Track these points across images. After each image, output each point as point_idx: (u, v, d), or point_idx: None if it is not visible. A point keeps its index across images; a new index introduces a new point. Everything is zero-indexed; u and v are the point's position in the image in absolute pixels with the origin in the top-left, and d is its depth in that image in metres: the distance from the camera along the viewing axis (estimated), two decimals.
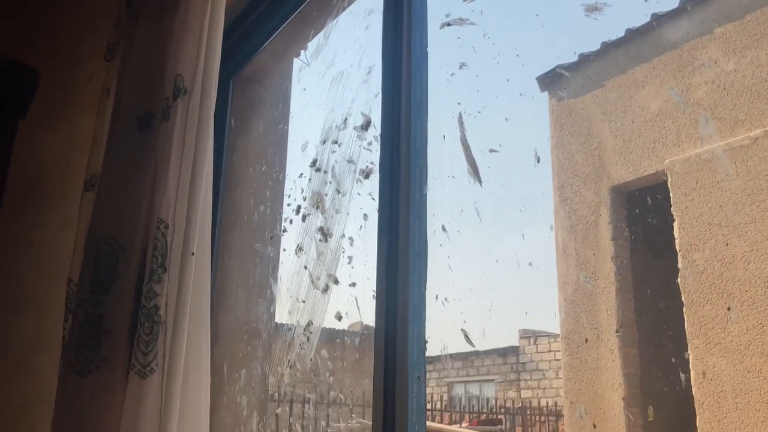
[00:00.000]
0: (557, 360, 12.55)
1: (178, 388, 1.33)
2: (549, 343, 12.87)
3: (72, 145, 2.22)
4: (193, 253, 1.44)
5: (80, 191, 1.84)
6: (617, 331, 4.59)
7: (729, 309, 3.79)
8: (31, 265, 2.10)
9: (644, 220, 4.93)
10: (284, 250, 2.34)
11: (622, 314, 4.62)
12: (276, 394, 7.30)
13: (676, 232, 4.21)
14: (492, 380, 13.80)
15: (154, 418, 1.30)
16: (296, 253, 2.26)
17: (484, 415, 10.90)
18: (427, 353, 1.47)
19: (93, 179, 1.82)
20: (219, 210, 2.31)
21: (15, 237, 2.10)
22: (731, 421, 3.81)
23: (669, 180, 4.34)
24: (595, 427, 4.40)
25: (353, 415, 8.66)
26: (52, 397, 1.61)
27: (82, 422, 1.36)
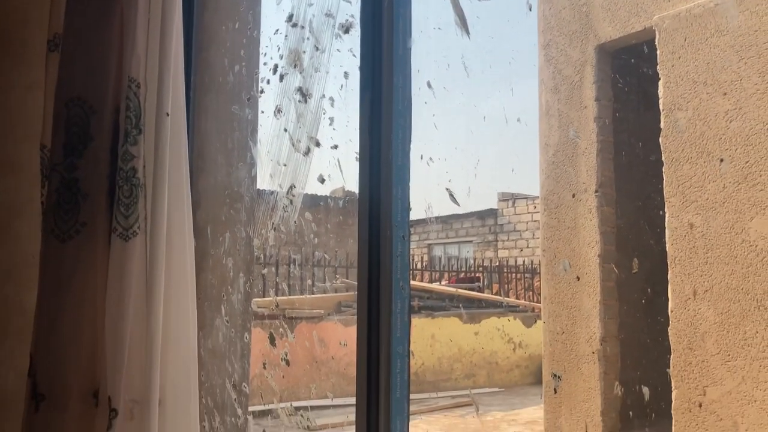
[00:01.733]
0: (534, 221, 12.90)
1: (162, 250, 1.33)
2: (527, 205, 13.16)
3: (30, 0, 2.08)
4: (167, 114, 1.38)
5: (44, 52, 1.74)
6: (596, 191, 4.66)
7: (722, 161, 3.81)
8: (1, 128, 2.02)
9: (639, 70, 4.83)
10: (262, 112, 2.27)
11: (601, 174, 4.66)
12: (262, 256, 7.47)
13: (660, 91, 4.16)
14: (471, 241, 14.22)
15: (141, 279, 1.31)
16: (275, 115, 2.19)
17: (463, 274, 11.33)
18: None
19: (57, 38, 1.71)
20: (192, 71, 2.21)
21: None
22: (700, 274, 3.98)
23: (657, 37, 4.22)
24: (578, 279, 4.56)
25: (337, 276, 8.94)
26: (37, 262, 1.61)
27: (67, 286, 1.36)
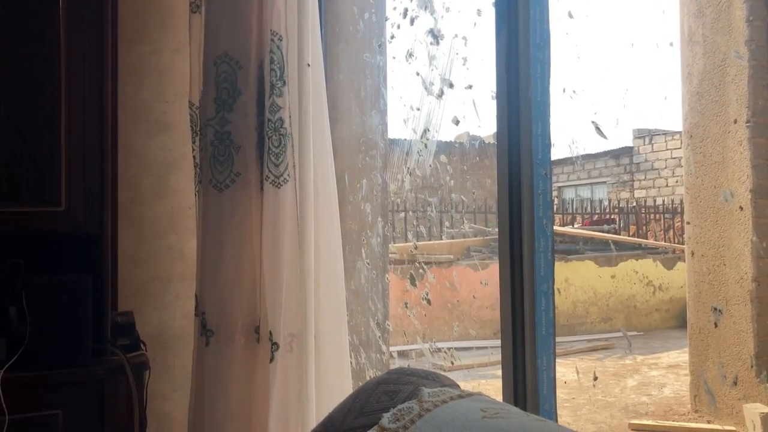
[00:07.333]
0: (674, 158, 12.12)
1: (310, 195, 1.39)
2: (665, 141, 12.38)
3: None
4: (308, 64, 1.43)
5: (187, 14, 1.84)
6: (747, 121, 4.30)
7: None
8: (153, 90, 2.18)
9: None
10: (393, 57, 2.29)
11: (754, 103, 4.28)
12: (398, 200, 7.60)
13: None
14: (604, 182, 13.64)
15: (293, 223, 1.38)
16: (406, 60, 2.20)
17: (597, 216, 10.94)
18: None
19: (198, 0, 1.80)
20: (323, 22, 2.25)
21: (134, 65, 2.16)
22: None
23: None
24: (741, 209, 4.26)
25: (465, 220, 8.94)
26: (192, 213, 1.74)
27: (227, 231, 1.47)
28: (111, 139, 1.88)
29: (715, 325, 4.42)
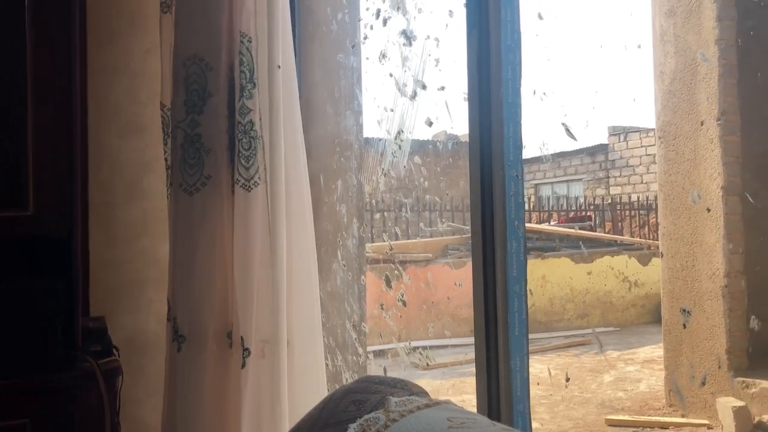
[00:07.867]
0: (648, 155, 12.27)
1: (282, 198, 1.38)
2: (640, 138, 12.52)
3: None
4: (279, 66, 1.42)
5: (158, 14, 1.82)
6: (718, 119, 4.36)
7: None
8: (125, 91, 2.15)
9: None
10: (367, 58, 2.28)
11: (724, 101, 4.34)
12: (373, 201, 7.61)
13: None
14: (580, 179, 13.77)
15: (264, 227, 1.37)
16: (380, 61, 2.19)
17: (573, 213, 11.04)
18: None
19: (168, 0, 1.78)
20: (296, 22, 2.24)
21: (105, 65, 2.13)
22: None
23: None
24: (709, 211, 4.32)
25: (443, 219, 8.97)
26: (165, 216, 1.71)
27: (198, 236, 1.45)
28: (81, 140, 1.85)
29: (684, 326, 4.48)
